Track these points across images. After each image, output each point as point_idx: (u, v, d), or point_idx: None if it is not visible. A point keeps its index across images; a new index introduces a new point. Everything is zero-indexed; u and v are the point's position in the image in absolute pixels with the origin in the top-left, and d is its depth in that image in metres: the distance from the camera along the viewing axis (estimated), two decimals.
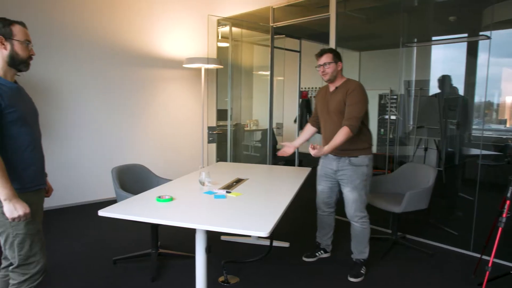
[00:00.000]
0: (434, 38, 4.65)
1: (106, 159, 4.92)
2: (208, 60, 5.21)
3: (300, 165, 6.42)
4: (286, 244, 3.61)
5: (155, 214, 2.09)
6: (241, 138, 6.36)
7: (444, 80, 4.24)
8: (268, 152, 5.60)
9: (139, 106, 5.35)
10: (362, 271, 3.01)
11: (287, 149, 3.25)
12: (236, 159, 5.93)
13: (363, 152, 2.92)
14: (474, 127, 4.09)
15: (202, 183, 2.73)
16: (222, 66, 5.57)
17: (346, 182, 2.95)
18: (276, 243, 3.57)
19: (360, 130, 2.85)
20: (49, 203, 4.60)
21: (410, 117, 4.97)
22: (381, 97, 5.45)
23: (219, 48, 5.90)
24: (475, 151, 3.77)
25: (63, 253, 3.34)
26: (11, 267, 1.90)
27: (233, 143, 5.85)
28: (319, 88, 3.27)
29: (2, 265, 2.06)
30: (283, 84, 6.66)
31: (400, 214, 3.36)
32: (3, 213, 1.75)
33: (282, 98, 6.61)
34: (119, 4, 5.04)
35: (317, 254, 3.32)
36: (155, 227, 3.09)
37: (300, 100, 7.66)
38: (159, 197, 2.33)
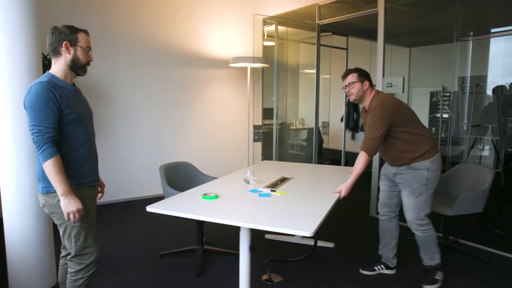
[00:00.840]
0: (493, 30, 4.39)
1: (155, 157, 5.10)
2: (254, 59, 5.25)
3: (346, 164, 6.30)
4: (331, 245, 3.55)
5: (200, 211, 2.13)
6: (286, 136, 6.35)
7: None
8: (313, 151, 5.54)
9: (187, 105, 5.49)
10: (437, 277, 2.83)
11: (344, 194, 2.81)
12: (281, 157, 5.93)
13: (422, 158, 2.71)
14: None
15: (247, 182, 2.75)
16: (268, 65, 5.58)
17: (404, 186, 2.79)
18: (320, 243, 3.52)
19: (408, 141, 2.70)
20: (102, 198, 4.85)
21: (464, 115, 4.73)
22: (432, 94, 5.21)
23: (265, 47, 5.93)
24: None
25: (113, 246, 3.50)
26: (68, 257, 2.04)
27: (279, 142, 5.85)
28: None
29: (62, 254, 2.22)
30: (330, 82, 6.56)
31: (452, 217, 3.18)
32: (59, 207, 1.88)
33: (329, 97, 6.52)
34: (167, 7, 5.20)
35: (376, 268, 3.03)
36: (200, 224, 3.15)
37: (347, 98, 7.51)
38: (205, 194, 2.38)
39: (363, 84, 2.78)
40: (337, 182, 2.88)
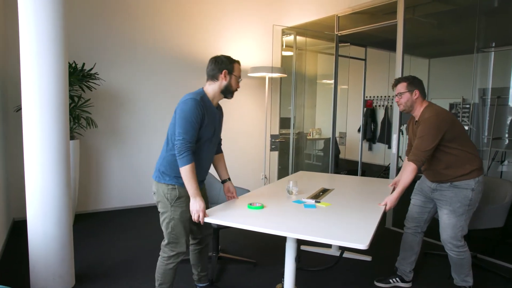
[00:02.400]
0: None
1: None
2: (272, 69, 5.29)
3: (363, 175, 6.25)
4: (368, 258, 3.50)
5: (248, 220, 2.12)
6: (303, 146, 6.35)
7: None
8: (330, 161, 5.53)
9: None
10: None
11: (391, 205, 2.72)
12: (297, 167, 5.93)
13: (467, 176, 2.62)
14: None
15: (290, 192, 2.75)
16: (286, 75, 5.62)
17: (444, 204, 2.70)
18: (357, 256, 3.50)
19: (456, 157, 2.63)
20: (117, 203, 4.93)
21: (485, 127, 4.66)
22: (452, 106, 5.15)
23: (283, 57, 5.97)
24: None
25: (129, 251, 3.54)
26: (163, 243, 2.34)
27: (295, 152, 5.86)
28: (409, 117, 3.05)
29: (190, 242, 2.57)
30: (347, 92, 6.56)
31: (471, 231, 3.12)
32: (167, 198, 2.26)
33: (346, 107, 6.51)
34: (187, 16, 5.31)
35: (391, 280, 2.99)
36: (216, 231, 3.18)
37: (365, 109, 7.48)
38: (250, 204, 2.38)
39: (413, 94, 2.71)
40: (379, 194, 2.88)
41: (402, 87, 2.75)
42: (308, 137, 6.55)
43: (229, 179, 2.66)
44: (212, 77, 2.33)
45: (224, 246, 3.62)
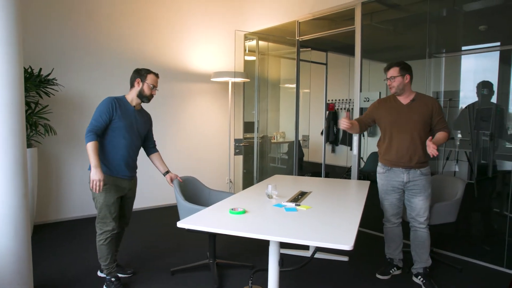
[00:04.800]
0: (464, 47, 4.58)
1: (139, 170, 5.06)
2: (235, 74, 5.33)
3: (326, 176, 6.40)
4: (345, 258, 3.58)
5: (231, 226, 2.13)
6: (267, 150, 6.42)
7: (482, 87, 4.10)
8: (294, 164, 5.62)
9: (169, 119, 5.51)
10: (432, 280, 3.02)
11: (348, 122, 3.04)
12: (262, 171, 5.99)
13: (428, 163, 3.04)
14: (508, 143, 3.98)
15: (270, 196, 2.78)
16: (249, 80, 5.67)
17: (419, 192, 2.99)
18: (335, 257, 3.57)
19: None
20: (80, 212, 4.79)
21: None
22: None
23: (246, 62, 6.03)
24: (510, 164, 3.66)
25: (90, 260, 3.44)
26: (96, 222, 2.82)
27: (260, 155, 5.91)
28: (378, 100, 3.30)
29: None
30: (309, 96, 6.69)
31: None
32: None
33: (309, 111, 6.64)
34: (149, 21, 5.26)
35: (391, 271, 3.22)
36: (213, 237, 3.17)
37: (327, 112, 7.66)
38: (232, 209, 2.38)
39: (404, 78, 2.96)
40: (355, 195, 3.09)
41: (394, 71, 2.96)
42: (272, 141, 6.62)
43: (169, 170, 3.21)
44: (131, 83, 2.90)
45: (220, 252, 3.62)
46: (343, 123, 2.94)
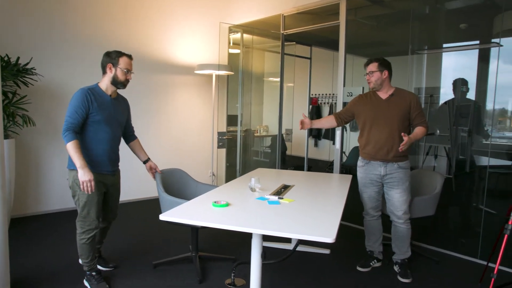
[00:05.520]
0: (445, 45, 4.66)
1: (122, 163, 4.99)
2: (219, 67, 5.30)
3: (309, 170, 6.44)
4: (327, 251, 3.62)
5: (214, 219, 2.11)
6: (250, 143, 6.42)
7: (458, 84, 4.19)
8: (277, 157, 5.64)
9: (152, 111, 5.45)
10: (409, 271, 3.10)
11: (305, 122, 3.22)
12: (245, 164, 5.99)
13: (407, 157, 3.09)
14: (484, 140, 4.07)
15: (253, 190, 2.77)
16: (233, 73, 5.65)
17: (397, 185, 3.04)
18: (316, 250, 3.61)
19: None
20: (59, 204, 4.71)
21: None
22: None
23: (230, 55, 5.99)
24: (486, 159, 3.75)
25: (70, 254, 3.39)
26: (76, 219, 2.68)
27: (243, 149, 5.91)
28: (358, 95, 3.34)
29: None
30: (293, 90, 6.71)
31: None
32: (76, 182, 2.53)
33: (292, 105, 6.65)
34: (132, 12, 5.17)
35: (371, 263, 3.28)
36: (195, 231, 3.15)
37: (310, 106, 7.69)
38: (215, 202, 2.37)
39: (382, 74, 3.00)
40: (337, 188, 3.10)
41: (373, 66, 3.02)
42: (255, 134, 6.63)
43: (149, 159, 3.11)
44: (102, 70, 2.69)
45: (202, 245, 3.60)
46: (299, 125, 3.17)
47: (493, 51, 3.78)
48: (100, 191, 2.68)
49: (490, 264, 2.95)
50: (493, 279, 2.50)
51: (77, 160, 2.43)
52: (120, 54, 2.66)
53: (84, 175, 2.43)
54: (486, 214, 3.61)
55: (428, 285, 3.02)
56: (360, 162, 3.22)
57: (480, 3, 4.12)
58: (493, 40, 3.81)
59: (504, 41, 3.62)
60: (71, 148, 2.44)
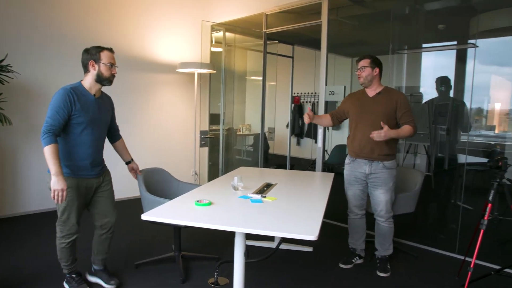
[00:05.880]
0: (424, 45, 4.74)
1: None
2: (201, 65, 5.27)
3: (291, 168, 6.48)
4: (309, 249, 3.64)
5: (197, 218, 2.09)
6: (233, 142, 6.41)
7: (442, 82, 4.25)
8: (260, 156, 5.65)
9: (133, 109, 5.38)
10: (388, 266, 3.15)
11: (311, 115, 3.20)
12: (228, 163, 5.98)
13: (394, 156, 3.10)
14: (463, 133, 4.17)
15: (236, 188, 2.76)
16: (215, 71, 5.62)
17: (380, 185, 3.07)
18: (299, 247, 3.62)
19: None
20: (37, 206, 4.61)
21: None
22: None
23: (212, 53, 5.97)
24: (464, 157, 3.84)
25: (49, 256, 3.32)
26: (56, 222, 2.55)
27: (225, 147, 5.89)
28: (349, 94, 3.37)
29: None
30: (276, 89, 6.73)
31: None
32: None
33: (274, 103, 6.67)
34: (114, 10, 5.09)
35: (353, 260, 3.32)
36: (178, 230, 3.12)
37: (293, 105, 7.73)
38: (198, 201, 2.35)
39: (374, 70, 3.03)
40: (319, 186, 3.13)
41: (365, 62, 3.05)
42: (238, 133, 6.62)
43: (132, 160, 3.01)
44: (85, 68, 2.51)
45: (185, 245, 3.57)
46: (306, 118, 3.11)
47: (470, 51, 3.86)
48: (81, 196, 2.55)
49: (467, 259, 3.03)
50: (469, 273, 2.57)
51: (52, 166, 2.26)
52: (100, 48, 2.49)
53: (57, 183, 2.27)
54: (464, 210, 3.70)
55: (407, 279, 3.07)
56: (347, 160, 3.26)
57: (457, 4, 4.21)
58: (469, 41, 3.90)
59: (480, 42, 3.71)
60: (48, 153, 2.27)
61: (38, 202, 4.61)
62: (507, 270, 3.02)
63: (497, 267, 3.01)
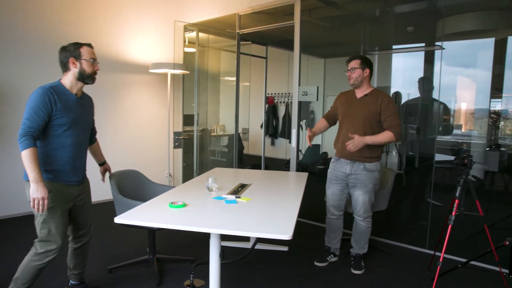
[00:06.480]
0: (394, 46, 4.86)
1: None
2: (174, 66, 5.21)
3: (266, 169, 6.51)
4: (285, 248, 3.65)
5: (171, 220, 2.07)
6: (207, 143, 6.38)
7: (424, 83, 4.33)
8: (234, 157, 5.64)
9: (105, 111, 5.26)
10: (362, 264, 3.21)
11: (310, 137, 3.25)
12: (202, 164, 5.94)
13: (378, 159, 3.09)
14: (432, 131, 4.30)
15: (210, 189, 2.73)
16: (188, 72, 5.58)
17: (359, 186, 3.08)
18: (275, 247, 3.63)
19: None
20: (24, 209, 4.45)
21: None
22: None
23: (185, 54, 5.92)
24: (433, 155, 3.96)
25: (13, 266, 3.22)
26: (35, 240, 2.27)
27: (200, 148, 5.86)
28: (340, 92, 3.35)
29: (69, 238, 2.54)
30: (249, 89, 6.74)
31: None
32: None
33: (248, 104, 6.69)
34: (85, 9, 4.97)
35: (328, 258, 3.35)
36: (152, 233, 3.07)
37: (266, 105, 7.77)
38: (172, 203, 2.32)
39: (364, 72, 3.00)
40: (294, 186, 3.14)
41: (355, 63, 3.01)
42: (212, 134, 6.60)
43: (106, 161, 2.91)
44: (64, 67, 2.33)
45: (159, 247, 3.52)
46: (308, 141, 3.17)
47: (437, 53, 3.99)
48: (64, 205, 2.32)
49: (436, 253, 3.13)
50: (439, 267, 2.65)
51: (31, 172, 2.07)
52: (78, 44, 2.31)
53: (36, 191, 2.06)
54: (433, 207, 3.82)
55: (381, 276, 3.14)
56: (332, 159, 3.30)
57: (424, 8, 4.34)
58: (436, 43, 4.02)
59: (446, 44, 3.84)
60: (26, 158, 2.08)
61: (10, 207, 4.43)
62: (473, 262, 3.14)
63: (464, 260, 3.12)
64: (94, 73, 2.36)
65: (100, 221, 4.45)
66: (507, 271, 2.83)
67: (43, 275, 2.41)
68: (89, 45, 2.36)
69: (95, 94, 5.27)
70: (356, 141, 2.85)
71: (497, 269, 2.87)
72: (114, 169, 3.29)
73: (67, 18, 4.82)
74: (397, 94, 4.47)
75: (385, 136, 2.94)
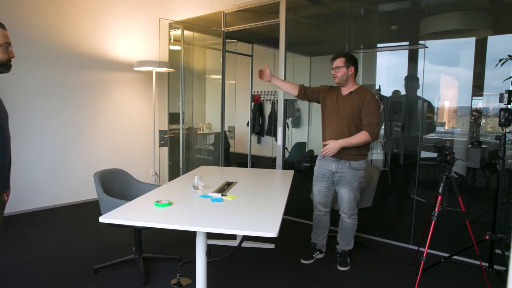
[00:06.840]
0: (378, 45, 4.91)
1: (57, 163, 4.75)
2: (159, 63, 5.18)
3: (252, 167, 6.51)
4: (271, 246, 3.66)
5: (156, 218, 2.05)
6: (193, 141, 6.35)
7: (410, 81, 4.38)
8: (220, 155, 5.64)
9: (90, 109, 5.20)
10: (348, 260, 3.23)
11: (266, 73, 3.37)
12: (189, 162, 5.92)
13: (363, 157, 3.09)
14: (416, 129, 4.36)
15: (196, 188, 2.72)
16: (173, 70, 5.54)
17: (344, 184, 3.09)
18: (261, 245, 3.64)
19: None
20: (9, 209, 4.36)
21: None
22: None
23: (171, 51, 5.87)
24: (417, 152, 4.02)
25: (33, 264, 3.17)
26: None
27: (186, 147, 5.83)
28: (331, 85, 3.27)
29: None
30: (235, 87, 6.73)
31: None
32: None
33: (234, 102, 6.68)
34: (69, 7, 4.88)
35: (314, 255, 3.37)
36: (138, 232, 3.04)
37: (252, 103, 7.77)
38: (157, 202, 2.30)
39: (349, 70, 2.99)
40: (279, 183, 3.14)
41: (340, 62, 3.00)
42: (198, 132, 6.57)
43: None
44: None
45: (145, 246, 3.49)
46: (259, 74, 3.36)
47: (420, 52, 4.05)
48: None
49: (420, 249, 3.19)
50: (422, 262, 2.70)
51: None
52: None
53: None
54: (417, 203, 3.88)
55: (366, 272, 3.18)
56: (318, 156, 3.30)
57: (408, 7, 4.40)
58: (420, 42, 4.08)
59: (429, 43, 3.90)
60: None
61: None
62: (455, 257, 3.20)
63: (447, 255, 3.19)
64: (8, 60, 1.93)
65: (84, 221, 4.40)
66: (487, 264, 2.91)
67: None
68: (2, 26, 1.91)
69: (79, 93, 5.24)
70: (331, 146, 2.88)
71: (478, 263, 2.94)
72: (99, 167, 3.27)
73: (51, 15, 4.74)
74: (384, 98, 4.52)
75: (360, 137, 2.93)
